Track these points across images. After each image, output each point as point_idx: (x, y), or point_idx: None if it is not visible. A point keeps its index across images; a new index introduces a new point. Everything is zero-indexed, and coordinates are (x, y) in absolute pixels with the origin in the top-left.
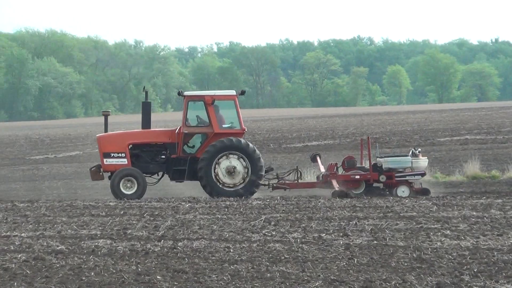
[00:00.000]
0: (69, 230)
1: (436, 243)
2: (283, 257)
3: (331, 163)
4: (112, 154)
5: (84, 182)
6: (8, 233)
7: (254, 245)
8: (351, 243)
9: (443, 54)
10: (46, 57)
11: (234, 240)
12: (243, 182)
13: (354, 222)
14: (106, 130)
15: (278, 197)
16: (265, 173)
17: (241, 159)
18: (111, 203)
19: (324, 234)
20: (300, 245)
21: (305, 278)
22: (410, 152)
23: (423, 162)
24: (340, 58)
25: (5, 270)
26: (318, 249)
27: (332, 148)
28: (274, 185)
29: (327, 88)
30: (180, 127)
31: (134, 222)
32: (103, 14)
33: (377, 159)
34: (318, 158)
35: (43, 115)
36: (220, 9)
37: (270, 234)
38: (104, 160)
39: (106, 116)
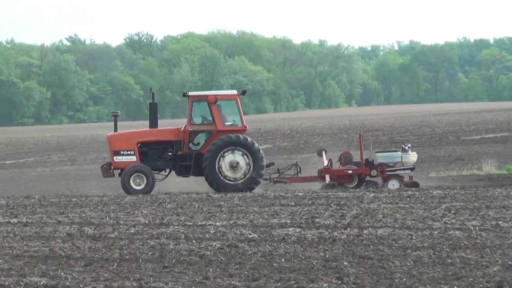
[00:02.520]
0: (260, 219)
1: None
2: (462, 244)
3: (329, 159)
4: (122, 152)
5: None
6: (204, 222)
7: (435, 232)
8: None
9: None
10: (237, 57)
11: (416, 228)
12: (244, 177)
13: None
14: (115, 130)
15: (457, 187)
16: (266, 167)
17: (245, 156)
18: (299, 194)
19: (501, 222)
20: (479, 232)
21: (484, 264)
22: (401, 148)
23: (412, 157)
24: None
25: (201, 257)
26: (496, 236)
27: (508, 140)
28: (275, 179)
29: (503, 83)
30: (185, 126)
31: (321, 211)
32: (290, 15)
33: (376, 154)
34: (323, 153)
35: None
36: (400, 9)
37: (450, 222)
38: (114, 157)
39: (115, 116)
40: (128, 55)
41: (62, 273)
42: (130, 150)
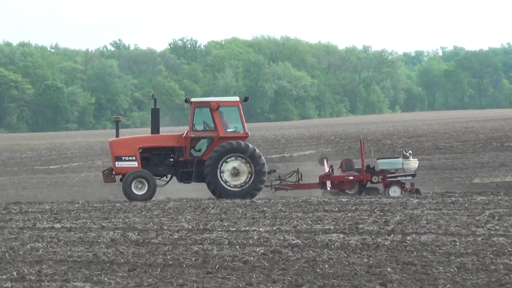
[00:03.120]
0: (304, 225)
1: None
2: (506, 250)
3: (330, 165)
4: (124, 158)
5: None
6: (247, 228)
7: (479, 238)
8: None
9: None
10: (281, 62)
11: (459, 234)
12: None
13: None
14: (117, 135)
15: (501, 193)
16: (268, 174)
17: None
18: (343, 199)
19: None
20: None
21: None
22: (402, 154)
23: (413, 163)
24: None
25: (244, 262)
26: None
27: None
28: (276, 186)
29: None
30: (187, 132)
31: (365, 217)
32: (335, 21)
33: (377, 160)
34: (325, 161)
35: (279, 117)
36: (444, 15)
37: (494, 228)
38: (116, 163)
39: (117, 122)
40: (172, 60)
41: (106, 278)
42: (132, 156)
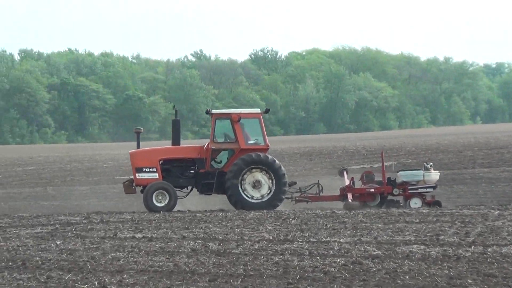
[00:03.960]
0: (384, 236)
1: None
2: None
3: (351, 177)
4: (144, 169)
5: None
6: (328, 239)
7: None
8: None
9: None
10: (362, 73)
11: None
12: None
13: None
14: (138, 146)
15: None
16: (288, 186)
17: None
18: (424, 211)
19: None
20: None
21: None
22: (423, 166)
23: (434, 175)
24: None
25: (325, 273)
26: None
27: None
28: (297, 198)
29: None
30: (208, 143)
31: (446, 228)
32: (415, 33)
33: (398, 172)
34: (345, 173)
35: (359, 128)
36: None
37: None
38: (137, 174)
39: (138, 133)
40: (253, 70)
41: None
42: (153, 167)
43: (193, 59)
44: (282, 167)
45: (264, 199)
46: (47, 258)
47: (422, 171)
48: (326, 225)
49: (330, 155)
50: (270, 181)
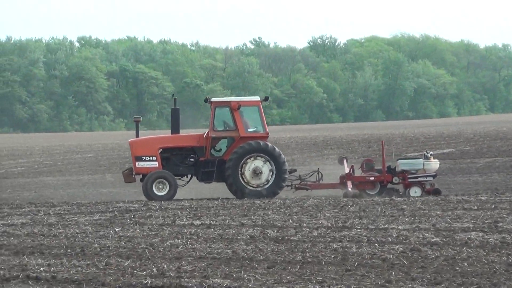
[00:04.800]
0: (443, 223)
1: None
2: None
3: (351, 166)
4: (144, 158)
5: (455, 178)
6: (386, 226)
7: None
8: None
9: None
10: (421, 60)
11: None
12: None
13: None
14: (137, 135)
15: None
16: (288, 174)
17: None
18: (482, 198)
19: None
20: None
21: None
22: (423, 155)
23: (434, 164)
24: None
25: (383, 260)
26: None
27: None
28: (297, 185)
29: None
30: (207, 132)
31: (504, 215)
32: (474, 20)
33: (398, 161)
34: (345, 161)
35: (418, 115)
36: None
37: None
38: (136, 163)
39: (137, 122)
40: (312, 58)
41: (245, 275)
42: (152, 156)
43: (252, 47)
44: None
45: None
46: (106, 245)
47: (422, 159)
48: (384, 212)
49: (389, 142)
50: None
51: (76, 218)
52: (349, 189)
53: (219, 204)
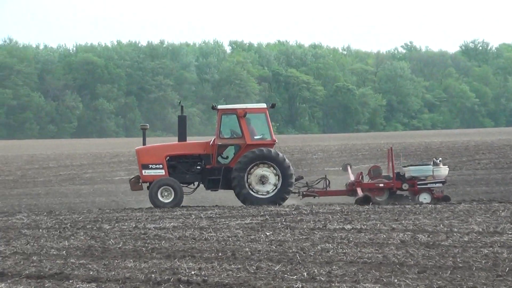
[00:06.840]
0: None
1: None
2: None
3: (359, 172)
4: (150, 166)
5: None
6: None
7: None
8: None
9: None
10: None
11: None
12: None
13: None
14: (144, 143)
15: None
16: (295, 181)
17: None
18: None
19: None
20: None
21: None
22: (432, 161)
23: (443, 170)
24: None
25: None
26: None
27: None
28: (304, 193)
29: None
30: (214, 139)
31: None
32: None
33: (402, 168)
34: (349, 168)
35: None
36: None
37: None
38: (143, 171)
39: (144, 130)
40: (463, 62)
41: (396, 280)
42: (159, 164)
43: (403, 51)
44: (287, 160)
45: (270, 194)
46: (257, 249)
47: (431, 166)
48: None
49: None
50: (276, 176)
51: (227, 222)
52: (360, 195)
53: (370, 208)
